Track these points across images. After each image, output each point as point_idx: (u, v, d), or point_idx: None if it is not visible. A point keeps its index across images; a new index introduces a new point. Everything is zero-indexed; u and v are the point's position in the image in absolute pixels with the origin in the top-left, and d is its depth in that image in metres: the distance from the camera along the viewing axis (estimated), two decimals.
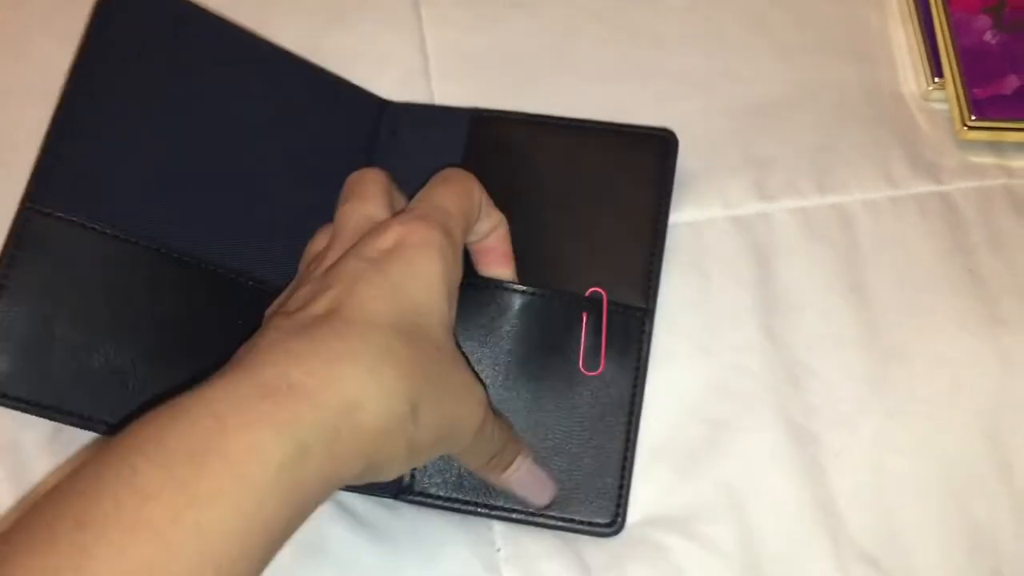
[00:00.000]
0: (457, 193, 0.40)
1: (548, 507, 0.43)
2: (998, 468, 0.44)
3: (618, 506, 0.43)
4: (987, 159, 0.52)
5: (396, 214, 0.39)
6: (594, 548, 0.43)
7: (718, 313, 0.48)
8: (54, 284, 0.40)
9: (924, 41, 0.55)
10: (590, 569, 0.43)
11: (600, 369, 0.45)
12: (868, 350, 0.47)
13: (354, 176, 0.42)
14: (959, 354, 0.47)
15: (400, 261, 0.36)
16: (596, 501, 0.43)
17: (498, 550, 0.43)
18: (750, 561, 0.43)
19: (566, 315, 0.44)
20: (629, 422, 0.44)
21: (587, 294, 0.45)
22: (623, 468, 0.44)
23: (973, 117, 0.51)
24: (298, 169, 0.46)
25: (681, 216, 0.50)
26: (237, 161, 0.45)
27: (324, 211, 0.42)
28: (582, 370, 0.44)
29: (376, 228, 0.38)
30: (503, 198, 0.43)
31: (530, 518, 0.43)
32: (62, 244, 0.41)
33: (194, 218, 0.43)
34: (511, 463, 0.41)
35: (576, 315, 0.45)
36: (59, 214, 0.41)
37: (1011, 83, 0.52)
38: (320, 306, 0.35)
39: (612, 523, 0.43)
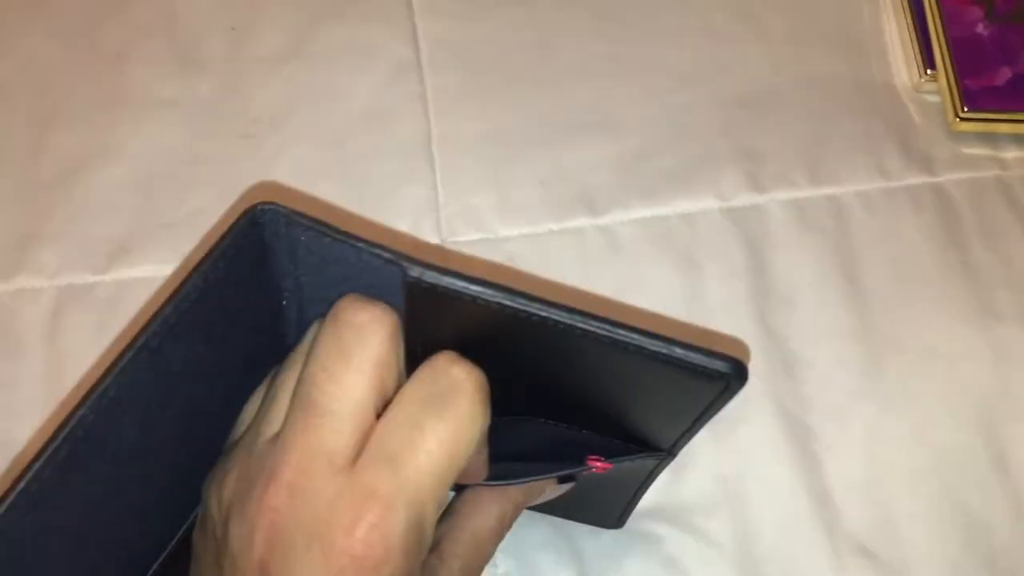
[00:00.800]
0: (451, 440, 0.28)
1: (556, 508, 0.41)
2: (992, 459, 0.44)
3: (624, 510, 0.42)
4: (980, 150, 0.52)
5: (378, 416, 0.28)
6: (589, 539, 0.43)
7: (712, 304, 0.48)
8: None
9: (916, 33, 0.55)
10: (584, 559, 0.42)
11: None
12: (862, 341, 0.47)
13: (350, 309, 0.29)
14: (953, 345, 0.47)
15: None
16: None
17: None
18: (746, 553, 0.43)
19: None
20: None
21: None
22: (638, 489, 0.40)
23: (965, 108, 0.51)
24: None
25: (674, 207, 0.50)
26: None
27: None
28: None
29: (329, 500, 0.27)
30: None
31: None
32: None
33: None
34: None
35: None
36: None
37: (1003, 74, 0.52)
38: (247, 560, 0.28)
39: (618, 520, 0.43)
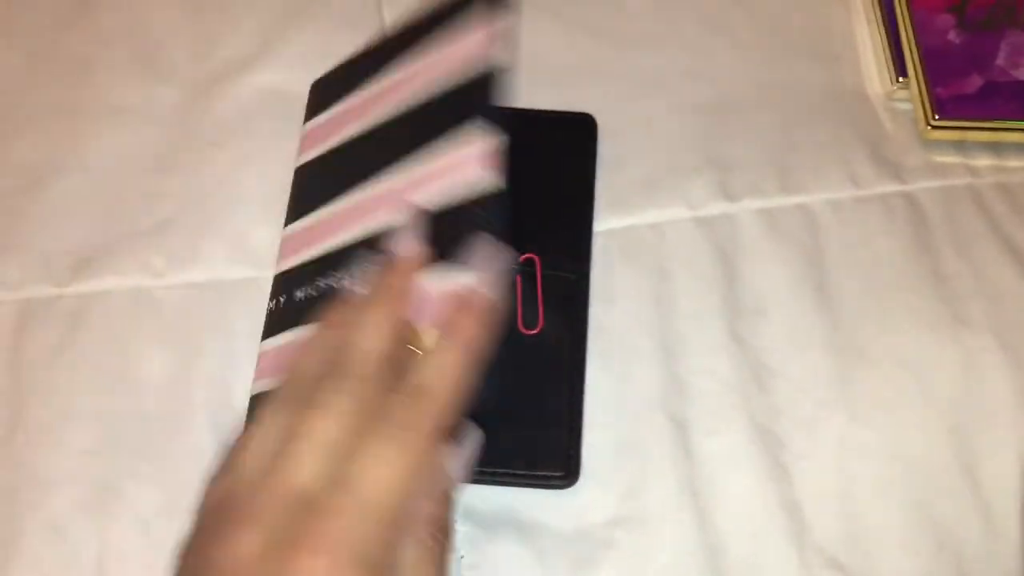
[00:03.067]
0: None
1: (503, 463, 0.43)
2: (962, 469, 0.44)
3: (569, 458, 0.44)
4: (951, 158, 0.52)
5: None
6: (555, 547, 0.43)
7: (683, 314, 0.47)
8: None
9: (888, 40, 0.55)
10: (551, 569, 0.42)
11: (539, 327, 0.46)
12: (832, 352, 0.47)
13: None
14: (923, 355, 0.46)
15: None
16: (549, 456, 0.44)
17: (462, 557, 0.43)
18: (713, 564, 0.42)
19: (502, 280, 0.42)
20: (572, 376, 0.45)
21: (521, 260, 0.47)
22: (571, 421, 0.44)
23: (936, 117, 0.51)
24: None
25: (644, 217, 0.50)
26: None
27: None
28: (522, 329, 0.46)
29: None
30: None
31: (484, 477, 0.43)
32: None
33: None
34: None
35: (511, 280, 0.47)
36: None
37: (974, 82, 0.52)
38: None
39: (565, 476, 0.43)
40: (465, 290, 0.37)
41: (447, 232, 0.41)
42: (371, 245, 0.43)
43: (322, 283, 0.44)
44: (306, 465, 0.31)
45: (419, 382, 0.33)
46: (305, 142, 0.50)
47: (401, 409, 0.32)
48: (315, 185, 0.48)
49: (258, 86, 0.53)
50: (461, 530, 0.43)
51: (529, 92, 0.52)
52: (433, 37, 0.47)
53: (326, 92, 0.50)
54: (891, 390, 0.46)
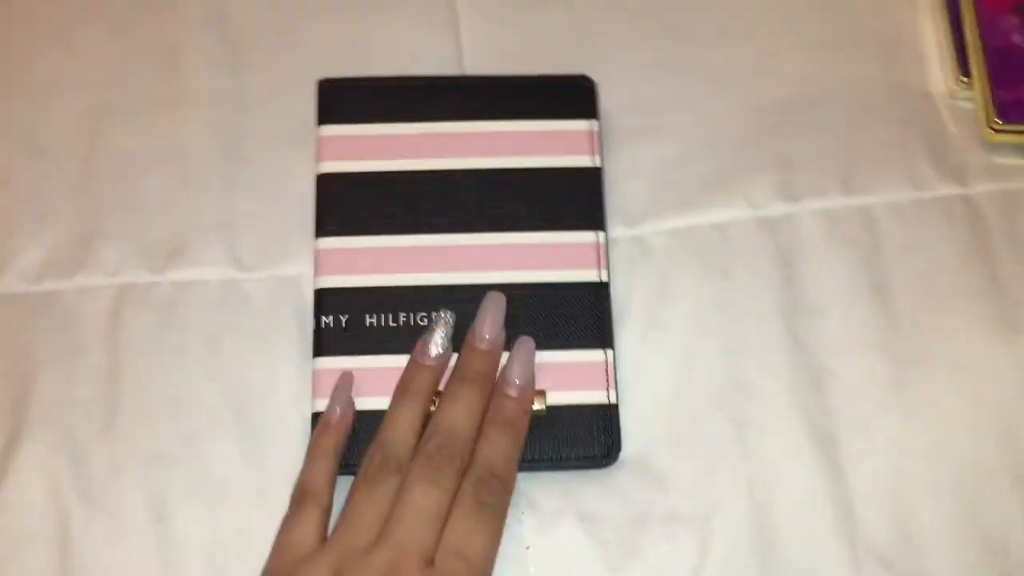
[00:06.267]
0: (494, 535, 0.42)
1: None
2: (1012, 474, 0.46)
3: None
4: (1013, 160, 0.53)
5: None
6: (614, 537, 0.45)
7: (742, 314, 0.49)
8: None
9: (952, 38, 0.55)
10: (609, 558, 0.45)
11: None
12: (888, 353, 0.48)
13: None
14: (978, 360, 0.48)
15: None
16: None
17: (528, 548, 0.45)
18: (767, 559, 0.45)
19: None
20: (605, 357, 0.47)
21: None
22: (608, 408, 0.46)
23: (998, 121, 0.52)
24: None
25: (707, 217, 0.51)
26: None
27: None
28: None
29: None
30: None
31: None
32: None
33: None
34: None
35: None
36: None
37: None
38: None
39: (607, 454, 0.46)
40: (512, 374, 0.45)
41: (536, 314, 0.48)
42: (451, 293, 0.48)
43: (401, 317, 0.47)
44: (425, 532, 0.40)
45: (491, 462, 0.42)
46: (326, 148, 0.51)
47: (486, 490, 0.41)
48: (362, 205, 0.50)
49: None
50: (526, 522, 0.46)
51: (600, 89, 0.54)
52: (525, 106, 0.52)
53: (350, 102, 0.52)
54: (945, 393, 0.48)
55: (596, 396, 0.47)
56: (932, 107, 0.55)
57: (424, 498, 0.40)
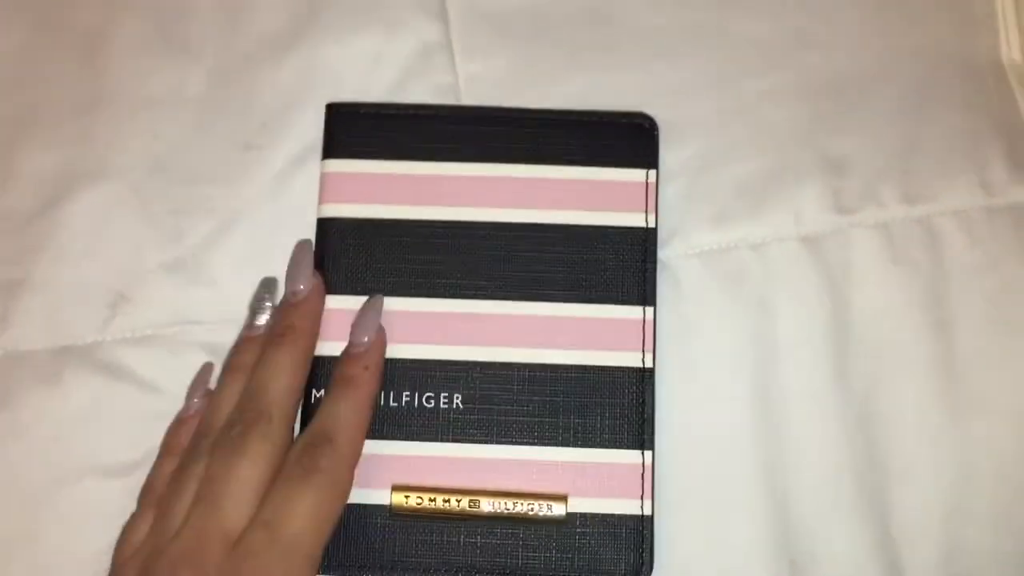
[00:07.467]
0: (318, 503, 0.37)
1: (562, 565, 0.40)
2: None
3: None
4: None
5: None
6: None
7: (784, 347, 0.43)
8: None
9: None
10: None
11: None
12: (947, 398, 0.42)
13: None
14: None
15: None
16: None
17: None
18: None
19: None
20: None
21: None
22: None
23: None
24: None
25: (744, 233, 0.44)
26: None
27: None
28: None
29: None
30: None
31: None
32: None
33: None
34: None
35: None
36: None
37: None
38: None
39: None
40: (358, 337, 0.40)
41: (567, 401, 0.41)
42: (466, 371, 0.41)
43: (404, 397, 0.42)
44: (230, 508, 0.35)
45: (323, 426, 0.38)
46: (331, 188, 0.43)
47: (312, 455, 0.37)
48: (369, 258, 0.42)
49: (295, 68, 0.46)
50: None
51: (615, 68, 0.45)
52: (568, 148, 0.43)
53: (362, 133, 0.43)
54: (1006, 442, 0.42)
55: (628, 506, 0.40)
56: (1005, 85, 0.46)
57: (226, 471, 0.36)
